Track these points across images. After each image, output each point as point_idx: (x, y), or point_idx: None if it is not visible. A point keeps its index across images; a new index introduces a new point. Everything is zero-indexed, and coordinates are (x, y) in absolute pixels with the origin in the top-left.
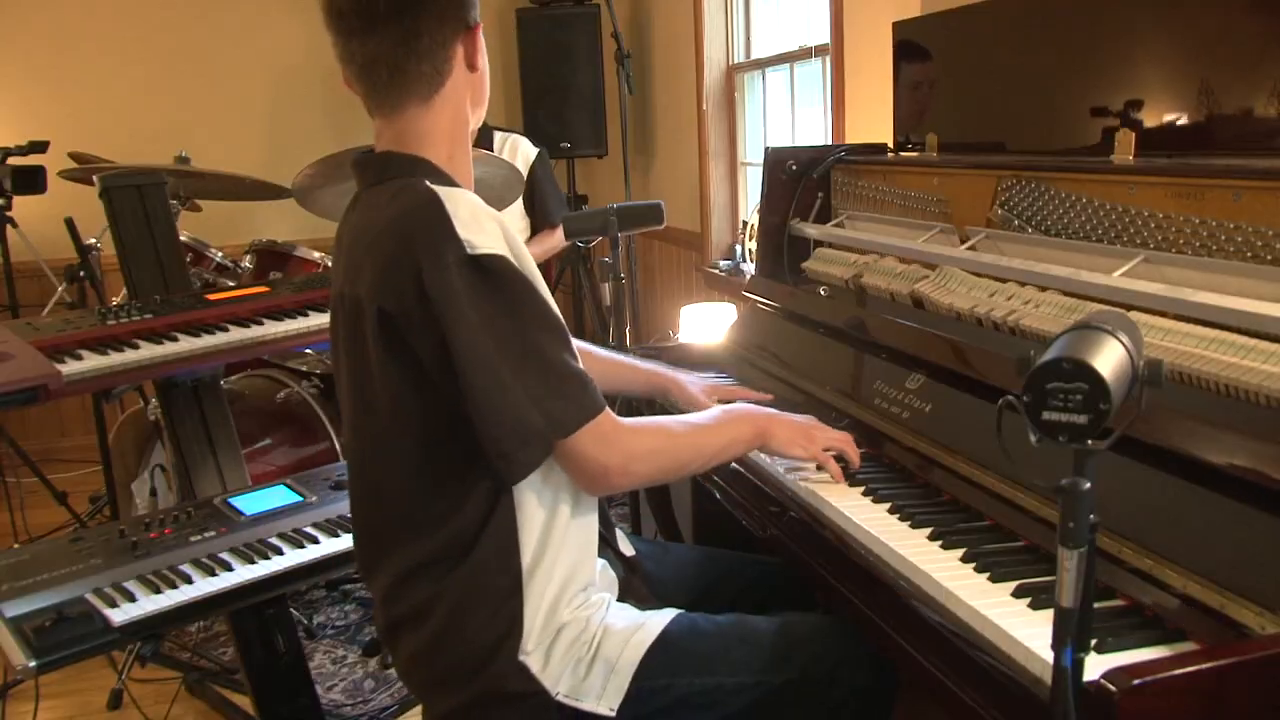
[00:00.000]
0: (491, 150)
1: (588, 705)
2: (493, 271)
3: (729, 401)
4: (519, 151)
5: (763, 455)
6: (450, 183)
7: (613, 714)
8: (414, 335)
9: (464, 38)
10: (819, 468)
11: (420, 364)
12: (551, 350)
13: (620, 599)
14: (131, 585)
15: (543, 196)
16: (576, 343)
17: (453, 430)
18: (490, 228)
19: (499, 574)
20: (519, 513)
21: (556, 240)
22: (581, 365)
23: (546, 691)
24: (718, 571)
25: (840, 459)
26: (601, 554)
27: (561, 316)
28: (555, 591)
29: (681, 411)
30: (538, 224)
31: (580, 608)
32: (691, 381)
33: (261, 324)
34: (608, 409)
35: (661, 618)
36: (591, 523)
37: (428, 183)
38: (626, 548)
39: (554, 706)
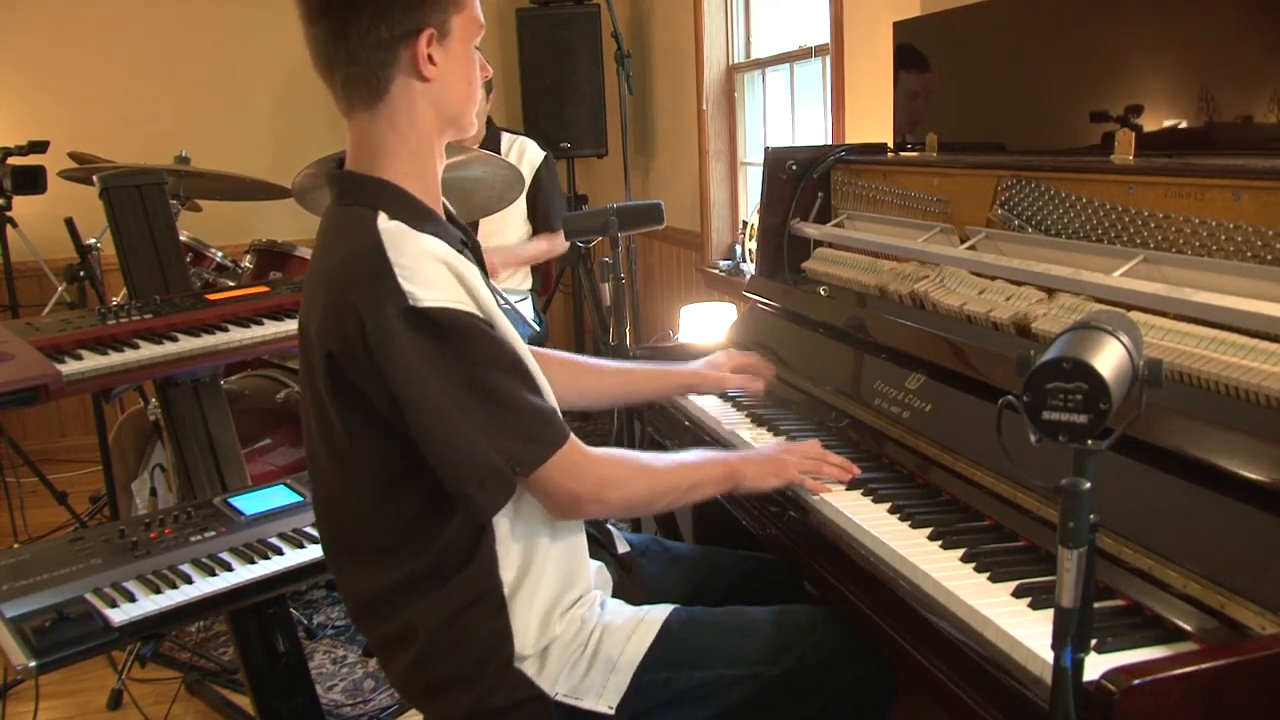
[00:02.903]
0: (499, 152)
1: (587, 704)
2: (436, 324)
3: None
4: (525, 155)
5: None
6: (413, 208)
7: (611, 712)
8: (361, 380)
9: (408, 44)
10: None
11: (372, 405)
12: (506, 389)
13: (614, 596)
14: (131, 585)
15: (546, 201)
16: (598, 361)
17: (415, 465)
18: (435, 274)
19: (480, 598)
20: (497, 539)
21: (558, 243)
22: (546, 401)
23: (545, 694)
24: (714, 566)
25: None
26: (597, 556)
27: (525, 354)
28: (544, 608)
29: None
30: (539, 229)
31: (574, 608)
32: (705, 368)
33: (261, 324)
34: (573, 439)
35: (660, 611)
36: (577, 540)
37: (382, 218)
38: (621, 545)
39: (553, 707)
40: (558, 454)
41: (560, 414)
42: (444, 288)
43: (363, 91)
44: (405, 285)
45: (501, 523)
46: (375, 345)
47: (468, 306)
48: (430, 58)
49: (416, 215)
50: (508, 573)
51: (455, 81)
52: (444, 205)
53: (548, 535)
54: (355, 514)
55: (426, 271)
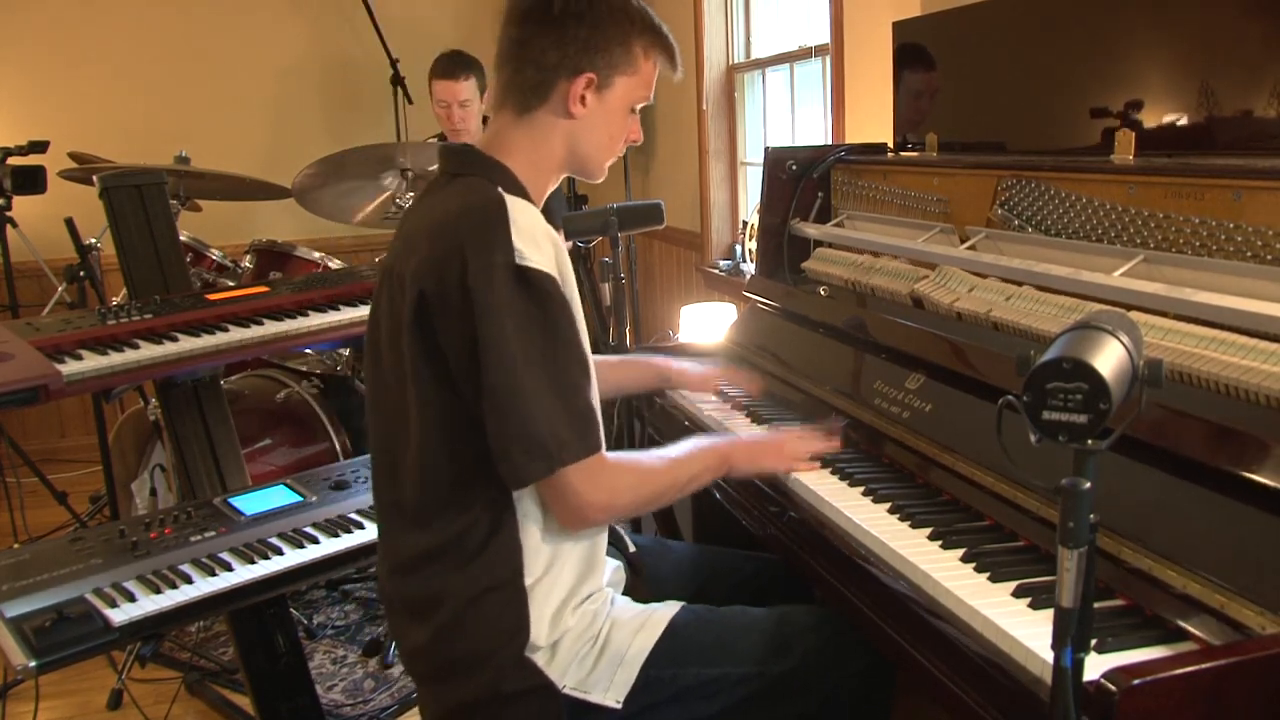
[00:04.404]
0: None
1: (595, 697)
2: (536, 286)
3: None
4: None
5: None
6: (523, 194)
7: (618, 706)
8: (445, 323)
9: (569, 77)
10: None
11: (444, 356)
12: (574, 379)
13: (623, 594)
14: (131, 585)
15: (547, 202)
16: None
17: (465, 431)
18: (546, 246)
19: (502, 583)
20: (523, 534)
21: None
22: (596, 407)
23: (554, 684)
24: (716, 567)
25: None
26: (613, 555)
27: (592, 359)
28: (560, 600)
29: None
30: None
31: (586, 603)
32: (687, 366)
33: (261, 324)
34: (604, 449)
35: (668, 609)
36: (600, 539)
37: (500, 188)
38: (630, 546)
39: (560, 699)
40: (590, 458)
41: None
42: (549, 258)
43: (516, 98)
44: (518, 242)
45: (531, 530)
46: (474, 286)
47: (562, 286)
48: (583, 99)
49: (525, 199)
50: (533, 567)
51: (598, 131)
52: None
53: (571, 542)
54: (404, 475)
55: (539, 238)
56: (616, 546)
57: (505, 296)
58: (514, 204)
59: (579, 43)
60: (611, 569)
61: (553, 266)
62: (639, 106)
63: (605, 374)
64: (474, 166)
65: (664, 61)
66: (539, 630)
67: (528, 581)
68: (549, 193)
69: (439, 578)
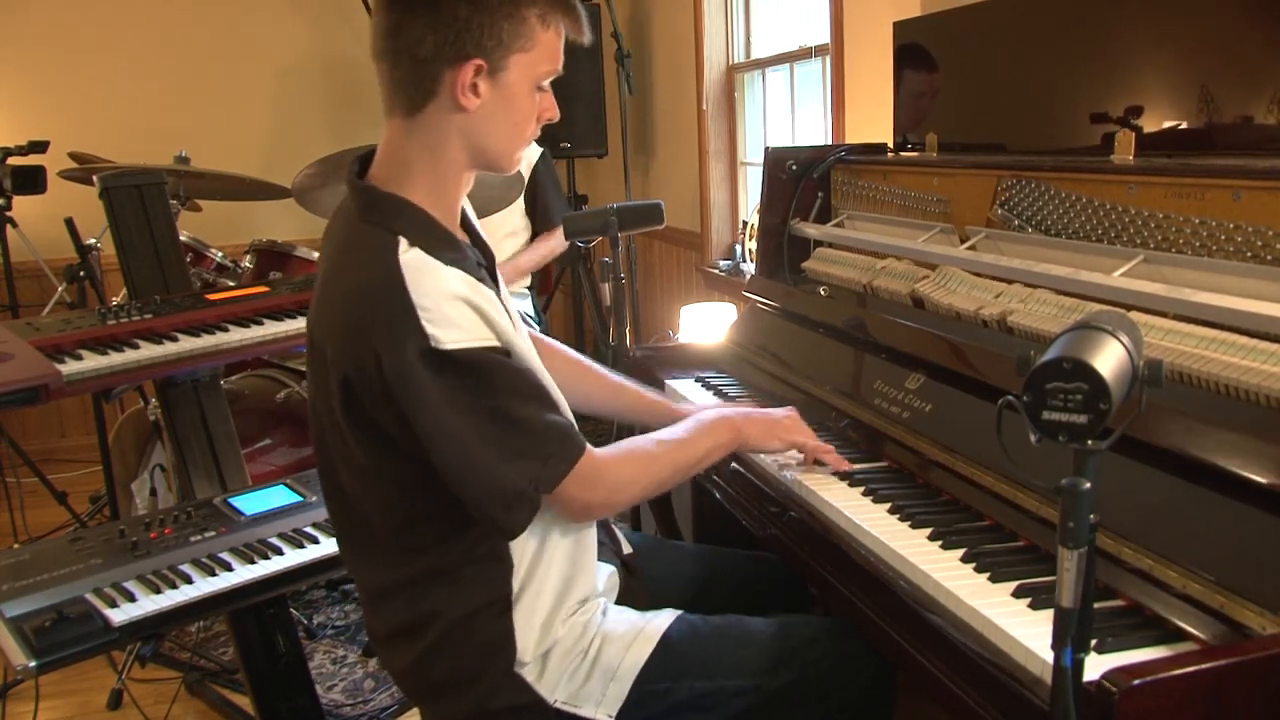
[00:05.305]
0: None
1: (586, 712)
2: (458, 364)
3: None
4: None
5: (762, 454)
6: (433, 233)
7: None
8: (376, 406)
9: (453, 67)
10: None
11: (380, 427)
12: (527, 414)
13: (619, 602)
14: (131, 585)
15: (545, 198)
16: (600, 369)
17: (426, 480)
18: (458, 314)
19: (486, 597)
20: (511, 548)
21: (557, 242)
22: (564, 416)
23: (544, 700)
24: (716, 568)
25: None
26: (607, 560)
27: (540, 371)
28: (547, 611)
29: None
30: (539, 226)
31: (576, 614)
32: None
33: (261, 324)
34: (589, 449)
35: (661, 620)
36: (585, 542)
37: (403, 245)
38: (626, 547)
39: (551, 714)
40: (575, 468)
41: (575, 425)
42: (466, 326)
43: (402, 98)
44: (428, 328)
45: (515, 542)
46: (394, 381)
47: (488, 341)
48: (475, 87)
49: (436, 242)
50: (514, 579)
51: (498, 122)
52: (464, 213)
53: (558, 532)
54: (369, 514)
55: (448, 311)
56: (610, 549)
57: (429, 387)
58: (414, 278)
59: (458, 24)
60: (605, 575)
61: (472, 330)
62: (548, 81)
63: (611, 392)
64: (374, 212)
65: (568, 25)
66: (526, 645)
67: (513, 595)
68: (466, 191)
69: (417, 602)
